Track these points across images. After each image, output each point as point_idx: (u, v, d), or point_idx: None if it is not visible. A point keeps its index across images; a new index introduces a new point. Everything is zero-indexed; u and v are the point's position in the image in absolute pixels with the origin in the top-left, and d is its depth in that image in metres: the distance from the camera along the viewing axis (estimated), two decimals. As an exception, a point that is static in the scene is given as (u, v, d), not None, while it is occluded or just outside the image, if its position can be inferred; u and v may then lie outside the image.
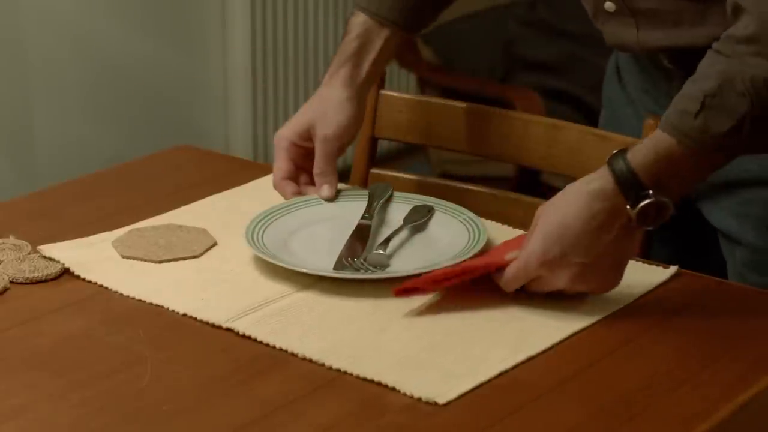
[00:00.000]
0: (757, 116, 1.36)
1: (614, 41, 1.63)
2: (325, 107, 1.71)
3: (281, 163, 1.71)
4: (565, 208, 1.41)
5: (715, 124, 1.36)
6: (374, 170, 1.95)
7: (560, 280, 1.41)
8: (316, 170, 1.70)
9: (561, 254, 1.39)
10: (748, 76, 1.35)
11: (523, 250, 1.42)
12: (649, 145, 1.39)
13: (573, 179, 1.49)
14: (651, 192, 1.38)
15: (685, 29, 1.51)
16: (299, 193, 1.70)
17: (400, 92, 1.96)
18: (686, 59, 1.50)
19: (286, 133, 1.72)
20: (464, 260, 1.49)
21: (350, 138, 1.72)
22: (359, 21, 1.75)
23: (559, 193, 1.43)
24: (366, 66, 1.74)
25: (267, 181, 1.79)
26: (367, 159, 1.95)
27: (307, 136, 1.71)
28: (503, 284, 1.43)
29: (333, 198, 1.68)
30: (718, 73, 1.37)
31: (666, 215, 1.39)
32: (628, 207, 1.39)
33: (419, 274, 1.46)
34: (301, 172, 1.72)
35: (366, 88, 1.75)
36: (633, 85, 1.74)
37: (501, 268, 1.43)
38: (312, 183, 1.71)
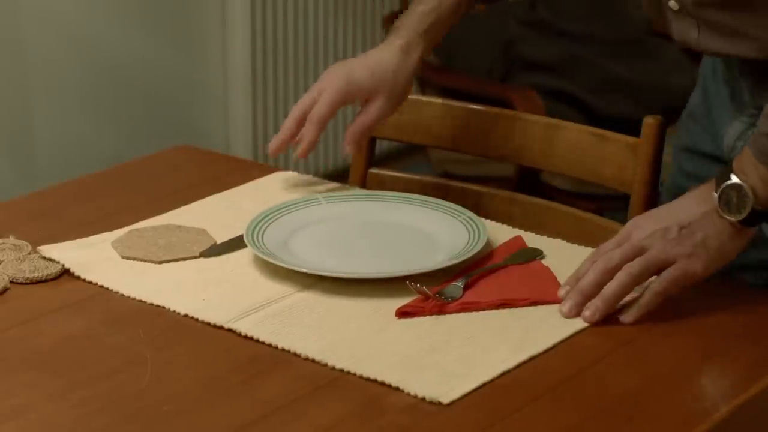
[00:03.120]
0: None
1: (679, 38, 1.63)
2: (398, 79, 1.70)
3: (331, 106, 1.68)
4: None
5: None
6: (373, 170, 1.95)
7: (653, 243, 1.42)
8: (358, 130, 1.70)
9: (656, 220, 1.44)
10: None
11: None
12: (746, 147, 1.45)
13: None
14: (732, 175, 1.42)
15: (746, 40, 1.52)
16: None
17: (400, 92, 1.96)
18: (756, 69, 1.53)
19: (346, 78, 1.69)
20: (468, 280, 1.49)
21: None
22: None
23: None
24: (436, 41, 1.74)
25: (267, 181, 1.80)
26: (366, 159, 1.95)
27: (362, 94, 1.70)
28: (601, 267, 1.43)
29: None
30: None
31: (747, 203, 1.42)
32: (714, 193, 1.43)
33: (418, 275, 1.47)
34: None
35: None
36: (714, 93, 1.73)
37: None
38: None
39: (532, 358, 1.34)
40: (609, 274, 1.42)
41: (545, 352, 1.35)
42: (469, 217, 1.62)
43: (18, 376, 1.32)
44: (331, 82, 1.70)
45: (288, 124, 1.70)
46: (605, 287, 1.41)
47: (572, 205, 1.84)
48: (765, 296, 1.50)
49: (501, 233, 1.62)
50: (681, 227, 1.43)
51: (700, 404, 1.26)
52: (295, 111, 1.70)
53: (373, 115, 1.70)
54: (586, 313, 1.41)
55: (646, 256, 1.42)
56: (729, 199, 1.43)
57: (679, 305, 1.45)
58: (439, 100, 1.95)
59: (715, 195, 1.43)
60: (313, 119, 1.69)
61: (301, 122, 1.70)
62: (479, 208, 1.68)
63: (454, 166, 3.28)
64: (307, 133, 1.68)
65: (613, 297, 1.41)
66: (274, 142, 1.70)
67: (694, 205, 1.45)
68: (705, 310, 1.45)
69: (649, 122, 1.72)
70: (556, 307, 1.44)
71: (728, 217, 1.43)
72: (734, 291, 1.52)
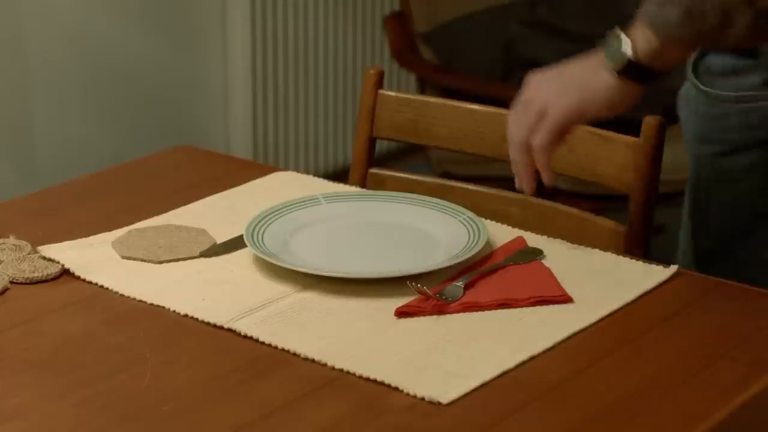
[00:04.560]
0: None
1: None
2: None
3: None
4: None
5: (670, 15, 1.49)
6: (373, 170, 1.95)
7: (534, 93, 1.55)
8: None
9: (546, 71, 1.58)
10: None
11: None
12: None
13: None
14: (618, 29, 1.52)
15: None
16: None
17: (399, 92, 1.96)
18: None
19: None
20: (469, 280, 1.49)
21: None
22: None
23: None
24: None
25: (267, 181, 1.80)
26: (366, 159, 1.95)
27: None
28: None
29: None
30: None
31: (621, 49, 1.50)
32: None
33: (418, 275, 1.47)
34: None
35: None
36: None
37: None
38: None
39: (532, 358, 1.34)
40: (523, 147, 1.55)
41: (545, 352, 1.35)
42: (469, 217, 1.62)
43: (18, 376, 1.32)
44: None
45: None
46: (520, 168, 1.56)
47: (572, 205, 1.84)
48: (764, 296, 1.50)
49: (501, 233, 1.62)
50: (561, 72, 1.55)
51: (700, 404, 1.26)
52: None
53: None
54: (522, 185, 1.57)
55: (525, 120, 1.54)
56: (609, 43, 1.51)
57: (679, 305, 1.45)
58: (439, 100, 1.95)
59: (599, 45, 1.52)
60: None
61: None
62: (479, 208, 1.68)
63: (454, 166, 3.28)
64: None
65: (528, 172, 1.56)
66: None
67: (583, 58, 1.55)
68: (704, 310, 1.45)
69: (649, 122, 1.72)
70: (556, 307, 1.44)
71: (605, 60, 1.50)
72: (734, 291, 1.52)
